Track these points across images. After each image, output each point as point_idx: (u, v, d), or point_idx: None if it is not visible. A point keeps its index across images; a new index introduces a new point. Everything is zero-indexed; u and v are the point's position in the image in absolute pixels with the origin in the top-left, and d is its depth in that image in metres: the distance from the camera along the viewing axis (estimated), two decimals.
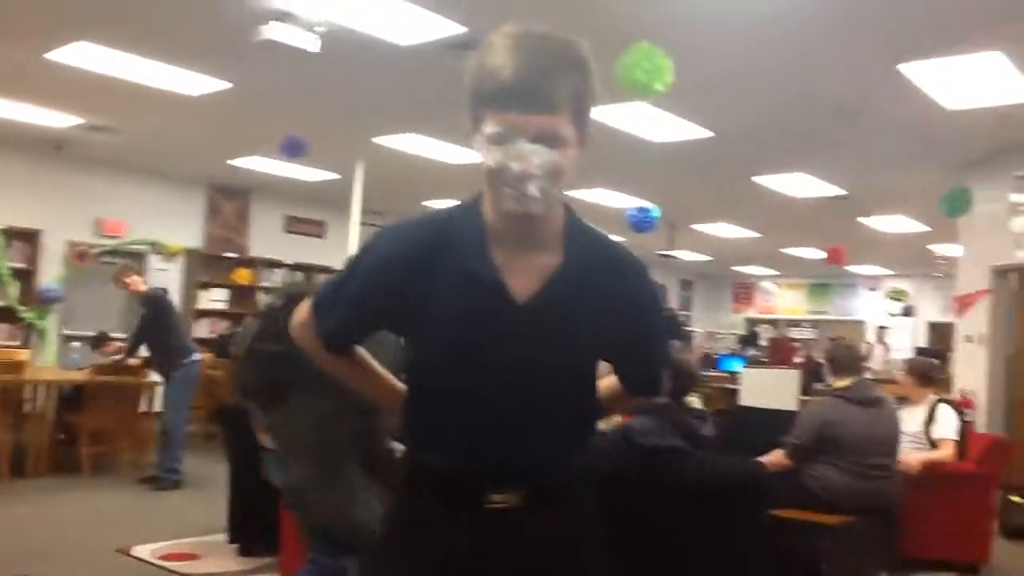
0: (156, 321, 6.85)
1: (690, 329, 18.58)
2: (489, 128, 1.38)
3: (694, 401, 4.01)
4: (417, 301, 1.48)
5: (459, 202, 1.54)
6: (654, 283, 1.61)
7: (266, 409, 2.85)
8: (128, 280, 7.10)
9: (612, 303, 1.52)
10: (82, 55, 6.11)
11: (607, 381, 1.70)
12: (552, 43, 1.38)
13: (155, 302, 6.90)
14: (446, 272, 1.46)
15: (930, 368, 5.67)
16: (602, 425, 3.85)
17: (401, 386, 1.64)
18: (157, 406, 7.59)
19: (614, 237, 1.63)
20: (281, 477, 2.94)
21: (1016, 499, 6.12)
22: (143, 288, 7.11)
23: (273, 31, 5.11)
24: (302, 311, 1.63)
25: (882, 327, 15.52)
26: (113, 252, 10.39)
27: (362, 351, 1.69)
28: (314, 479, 2.73)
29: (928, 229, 11.56)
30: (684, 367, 3.57)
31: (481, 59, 1.39)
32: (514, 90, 1.34)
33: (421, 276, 1.47)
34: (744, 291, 20.03)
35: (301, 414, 2.73)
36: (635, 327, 1.58)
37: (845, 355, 4.84)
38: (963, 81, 5.84)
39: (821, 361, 12.11)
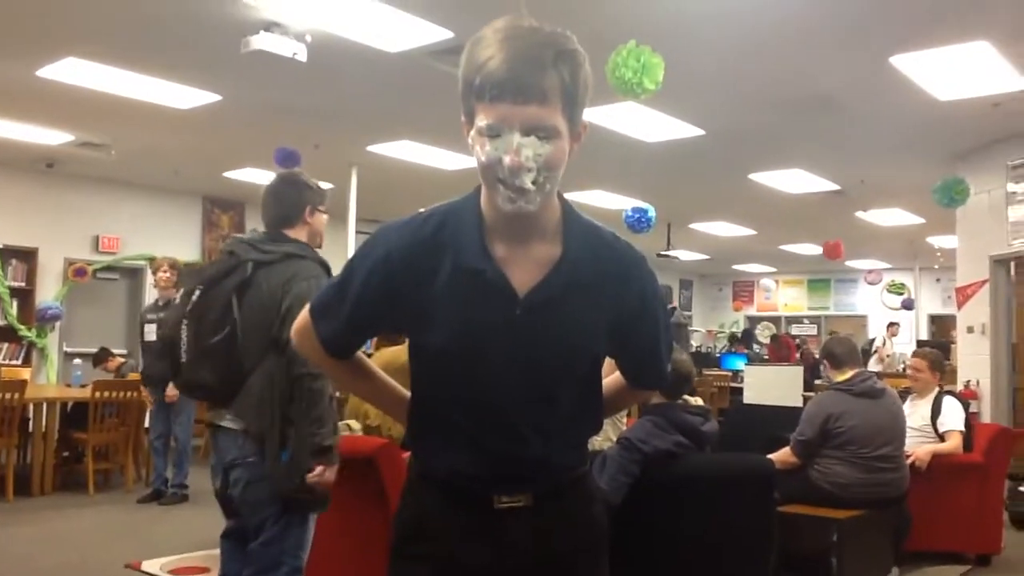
0: None
1: (693, 329, 18.61)
2: (481, 121, 1.38)
3: (695, 399, 4.00)
4: (418, 299, 1.47)
5: (456, 198, 1.53)
6: (653, 273, 1.60)
7: (228, 397, 2.81)
8: (169, 275, 6.64)
9: (614, 293, 1.51)
10: (72, 71, 6.11)
11: (610, 379, 1.69)
12: (541, 35, 1.38)
13: None
14: (446, 268, 1.45)
15: (942, 358, 5.83)
16: (605, 445, 3.86)
17: (406, 393, 1.64)
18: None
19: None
20: (219, 457, 2.91)
21: None
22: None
23: (261, 42, 5.10)
24: (301, 318, 1.62)
25: (893, 323, 15.47)
26: (111, 268, 10.40)
27: (364, 357, 1.68)
28: (271, 440, 2.70)
29: (924, 221, 11.56)
30: (680, 366, 3.55)
31: (472, 52, 1.39)
32: (504, 82, 1.34)
33: (421, 274, 1.46)
34: (744, 289, 20.03)
35: (260, 382, 2.72)
36: (637, 316, 1.57)
37: (842, 349, 4.85)
38: (954, 72, 5.85)
39: (818, 356, 12.14)
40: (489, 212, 1.46)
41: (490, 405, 1.48)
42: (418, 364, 1.56)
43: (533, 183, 1.37)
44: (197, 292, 2.80)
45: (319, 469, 2.71)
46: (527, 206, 1.39)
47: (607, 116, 6.71)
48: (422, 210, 1.53)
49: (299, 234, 2.99)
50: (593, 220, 1.55)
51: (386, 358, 4.06)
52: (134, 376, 7.51)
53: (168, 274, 6.70)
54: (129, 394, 7.30)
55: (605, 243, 1.53)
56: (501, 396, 1.47)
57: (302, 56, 5.26)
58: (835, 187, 9.61)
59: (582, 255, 1.49)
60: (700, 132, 7.40)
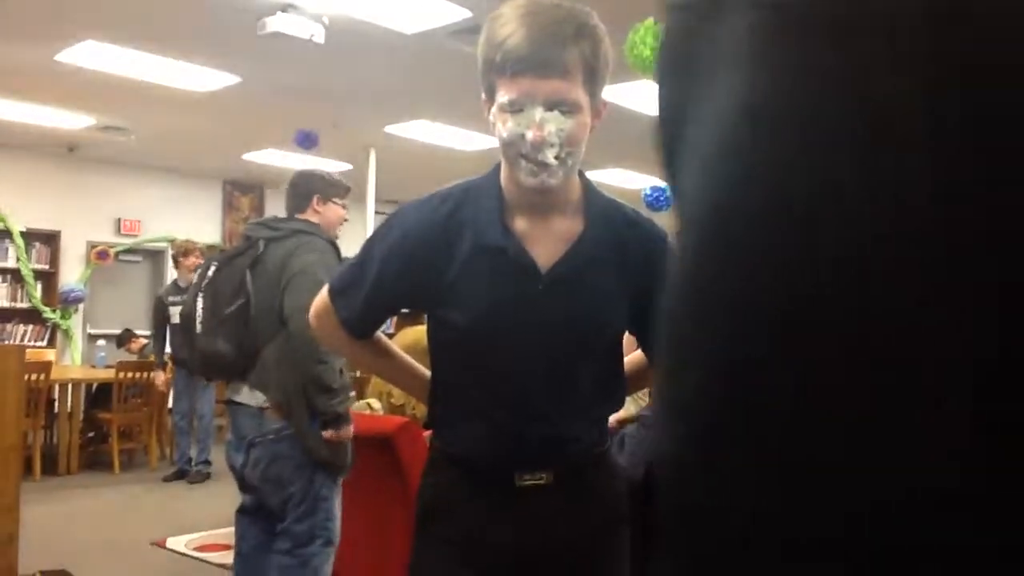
0: None
1: None
2: (502, 97, 1.38)
3: None
4: (437, 279, 1.47)
5: (475, 177, 1.54)
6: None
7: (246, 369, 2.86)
8: (195, 260, 6.67)
9: (635, 268, 1.51)
10: (91, 55, 6.14)
11: (632, 357, 1.69)
12: (562, 11, 1.38)
13: None
14: (465, 247, 1.46)
15: None
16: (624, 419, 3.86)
17: (427, 372, 1.64)
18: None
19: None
20: (238, 434, 2.95)
21: None
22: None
23: (278, 23, 5.11)
24: (319, 300, 1.63)
25: None
26: (133, 250, 10.49)
27: (384, 338, 1.69)
28: (298, 408, 2.78)
29: None
30: None
31: (492, 29, 1.39)
32: (525, 56, 1.34)
33: (441, 253, 1.47)
34: None
35: (276, 355, 2.77)
36: (659, 292, 1.56)
37: None
38: None
39: None
40: (510, 188, 1.46)
41: (511, 384, 1.49)
42: (438, 343, 1.57)
43: (556, 158, 1.37)
44: (212, 268, 2.88)
45: (339, 432, 2.80)
46: (550, 180, 1.39)
47: (626, 94, 6.68)
48: (439, 190, 1.54)
49: (309, 219, 3.08)
50: (615, 198, 1.56)
51: (409, 340, 4.08)
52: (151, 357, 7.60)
53: (201, 260, 6.75)
54: (152, 375, 7.39)
55: (627, 219, 1.54)
56: (522, 375, 1.48)
57: (319, 38, 5.27)
58: None
59: (604, 230, 1.49)
60: None
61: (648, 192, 9.29)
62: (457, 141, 8.53)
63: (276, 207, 11.74)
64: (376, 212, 9.08)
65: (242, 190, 11.45)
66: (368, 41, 5.76)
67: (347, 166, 9.66)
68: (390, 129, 8.24)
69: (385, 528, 3.63)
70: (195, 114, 7.81)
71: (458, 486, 1.54)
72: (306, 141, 7.60)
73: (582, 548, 1.55)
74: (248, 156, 9.75)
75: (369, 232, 8.99)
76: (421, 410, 4.32)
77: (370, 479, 3.72)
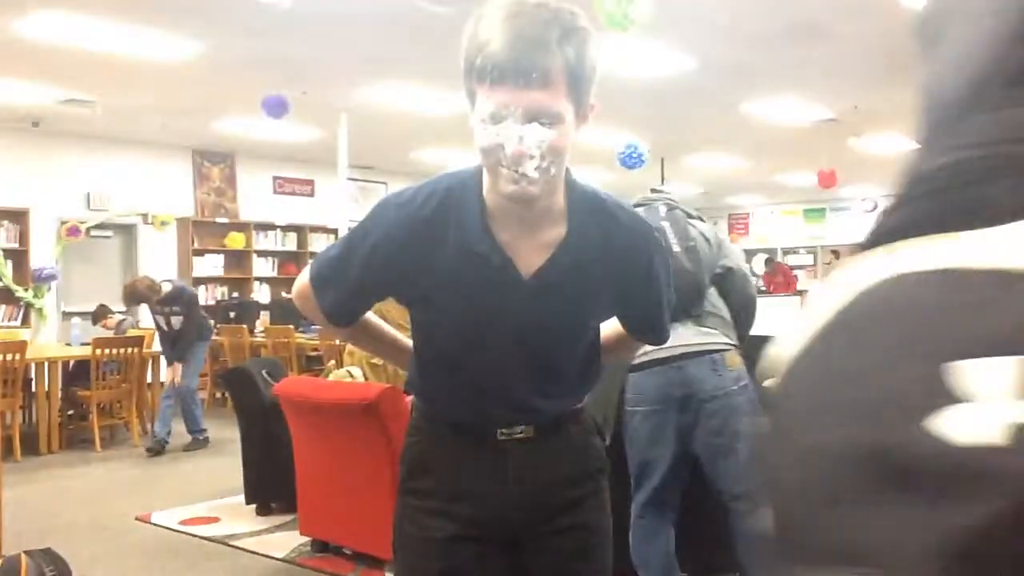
0: (194, 309, 7.09)
1: None
2: (482, 105, 1.33)
3: None
4: (422, 277, 1.48)
5: (457, 171, 1.51)
6: (659, 241, 1.62)
7: None
8: (151, 288, 6.89)
9: (620, 266, 1.52)
10: (50, 24, 5.98)
11: (609, 325, 1.69)
12: (547, 13, 1.32)
13: (188, 295, 7.11)
14: (451, 249, 1.45)
15: None
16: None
17: (409, 343, 1.67)
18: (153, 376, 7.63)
19: (610, 184, 1.62)
20: None
21: None
22: (165, 288, 6.97)
23: None
24: (302, 284, 1.63)
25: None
26: (104, 225, 10.35)
27: (368, 319, 1.69)
28: None
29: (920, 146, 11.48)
30: None
31: (474, 31, 1.33)
32: (505, 64, 1.29)
33: (425, 253, 1.46)
34: (739, 222, 20.00)
35: None
36: (643, 285, 1.58)
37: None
38: None
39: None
40: (491, 195, 1.44)
41: (492, 370, 1.53)
42: (422, 338, 1.59)
43: (536, 169, 1.34)
44: None
45: None
46: (530, 187, 1.36)
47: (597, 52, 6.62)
48: (423, 184, 1.52)
49: None
50: (598, 191, 1.54)
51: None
52: (134, 332, 7.54)
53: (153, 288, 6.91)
54: (130, 350, 7.34)
55: (611, 217, 1.52)
56: (505, 372, 1.52)
57: (284, 2, 5.18)
58: (829, 115, 9.53)
59: (588, 232, 1.48)
60: (690, 66, 7.31)
61: (621, 151, 9.27)
62: (430, 104, 8.43)
63: (248, 176, 11.62)
64: (349, 179, 9.00)
65: (212, 160, 11.30)
66: (333, 4, 5.67)
67: (319, 132, 9.56)
68: (360, 93, 8.14)
69: (375, 491, 3.64)
70: (161, 84, 7.68)
71: (440, 443, 1.59)
72: (276, 108, 7.49)
73: (560, 498, 1.59)
74: (217, 125, 9.62)
75: (342, 199, 8.89)
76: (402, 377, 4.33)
77: (358, 444, 3.74)
